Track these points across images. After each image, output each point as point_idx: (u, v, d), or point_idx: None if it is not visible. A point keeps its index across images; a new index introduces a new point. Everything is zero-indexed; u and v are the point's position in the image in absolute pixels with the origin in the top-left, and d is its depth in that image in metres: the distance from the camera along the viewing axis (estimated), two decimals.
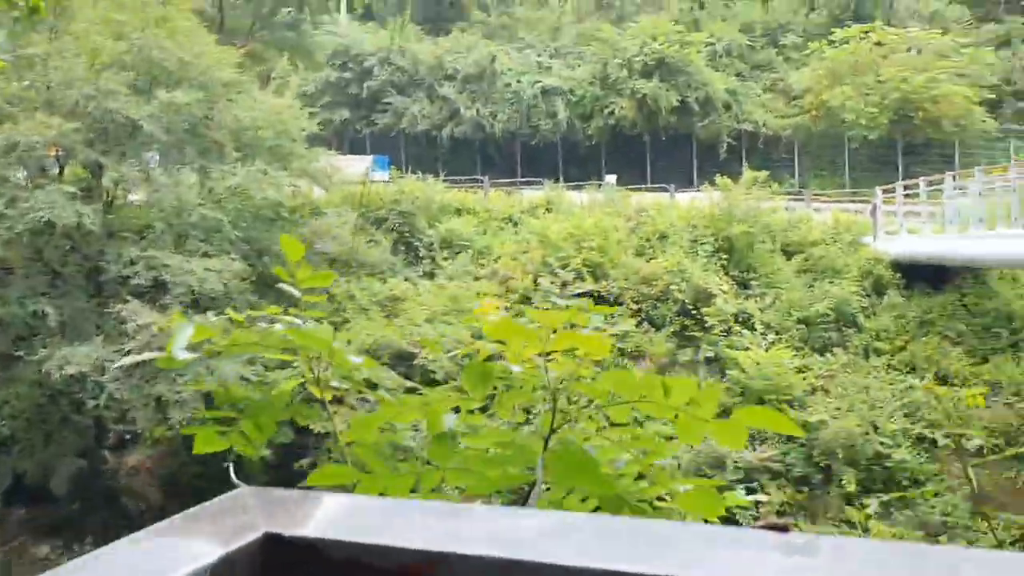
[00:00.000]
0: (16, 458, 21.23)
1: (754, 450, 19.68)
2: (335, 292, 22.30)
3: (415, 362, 20.14)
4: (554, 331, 2.05)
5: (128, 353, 17.84)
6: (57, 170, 22.09)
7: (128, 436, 19.78)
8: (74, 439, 20.82)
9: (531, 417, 4.01)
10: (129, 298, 18.81)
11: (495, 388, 2.18)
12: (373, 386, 2.40)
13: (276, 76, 37.15)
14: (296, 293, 2.20)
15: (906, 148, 36.15)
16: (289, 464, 16.78)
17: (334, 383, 2.18)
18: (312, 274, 2.25)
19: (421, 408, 2.17)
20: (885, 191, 26.78)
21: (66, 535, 20.24)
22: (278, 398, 2.29)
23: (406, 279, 23.98)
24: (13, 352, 20.56)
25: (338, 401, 2.27)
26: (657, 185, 33.06)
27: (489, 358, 2.20)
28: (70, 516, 20.56)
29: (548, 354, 2.09)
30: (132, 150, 20.70)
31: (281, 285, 2.23)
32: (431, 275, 25.14)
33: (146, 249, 19.46)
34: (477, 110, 38.87)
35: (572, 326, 2.10)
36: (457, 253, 25.80)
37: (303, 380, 2.22)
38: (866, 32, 36.80)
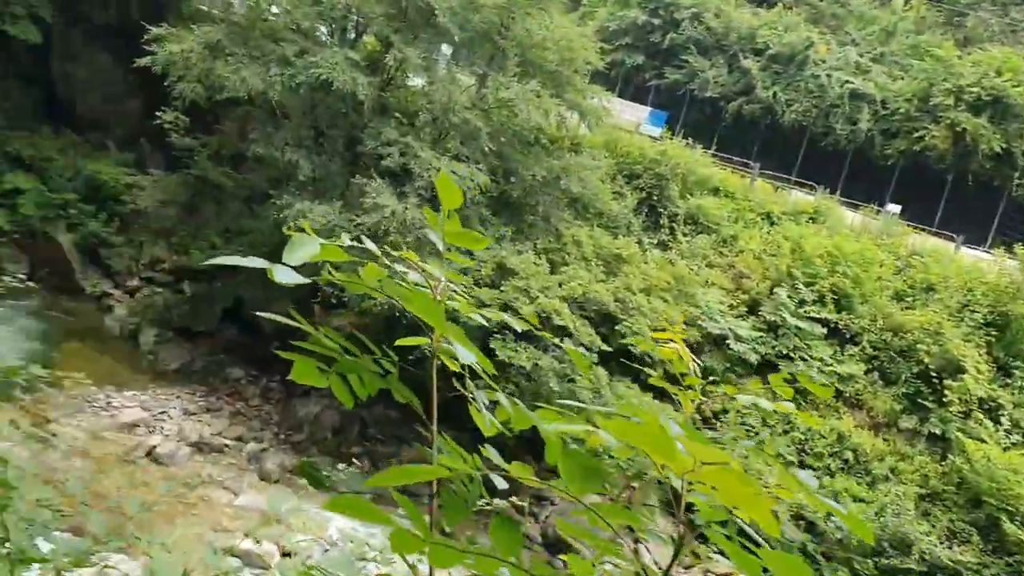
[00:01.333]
0: (240, 284, 22.95)
1: (949, 547, 17.48)
2: (564, 233, 21.92)
3: (617, 326, 19.47)
4: (705, 462, 1.46)
5: (359, 225, 18.49)
6: (353, 35, 22.96)
7: (343, 299, 20.52)
8: (294, 286, 22.02)
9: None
10: (375, 176, 19.32)
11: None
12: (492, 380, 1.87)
13: (586, 4, 36.66)
14: (439, 243, 1.94)
15: None
16: None
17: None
18: (460, 231, 1.94)
19: None
20: None
21: (262, 366, 21.70)
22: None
23: (638, 242, 23.12)
24: (267, 190, 22.05)
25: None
26: (944, 231, 29.70)
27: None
28: (270, 352, 21.99)
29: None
30: (424, 37, 21.00)
31: (426, 230, 2.00)
32: (664, 246, 24.14)
33: (405, 135, 19.80)
34: (774, 93, 36.58)
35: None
36: (699, 233, 24.57)
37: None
38: None
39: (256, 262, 1.56)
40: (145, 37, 21.33)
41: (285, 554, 14.36)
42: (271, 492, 16.78)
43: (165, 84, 21.34)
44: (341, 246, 1.77)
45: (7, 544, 3.64)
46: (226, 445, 18.35)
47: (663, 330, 3.39)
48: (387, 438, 19.95)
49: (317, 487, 3.86)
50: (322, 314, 22.78)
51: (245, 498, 16.45)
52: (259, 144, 20.86)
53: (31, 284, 22.40)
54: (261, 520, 16.92)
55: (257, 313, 2.10)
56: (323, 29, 22.43)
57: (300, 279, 1.55)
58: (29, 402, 17.60)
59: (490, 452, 1.80)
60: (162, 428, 18.25)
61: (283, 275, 1.54)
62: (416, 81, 22.57)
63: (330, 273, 1.90)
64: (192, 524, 15.13)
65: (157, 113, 23.40)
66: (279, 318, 2.05)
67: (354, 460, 19.01)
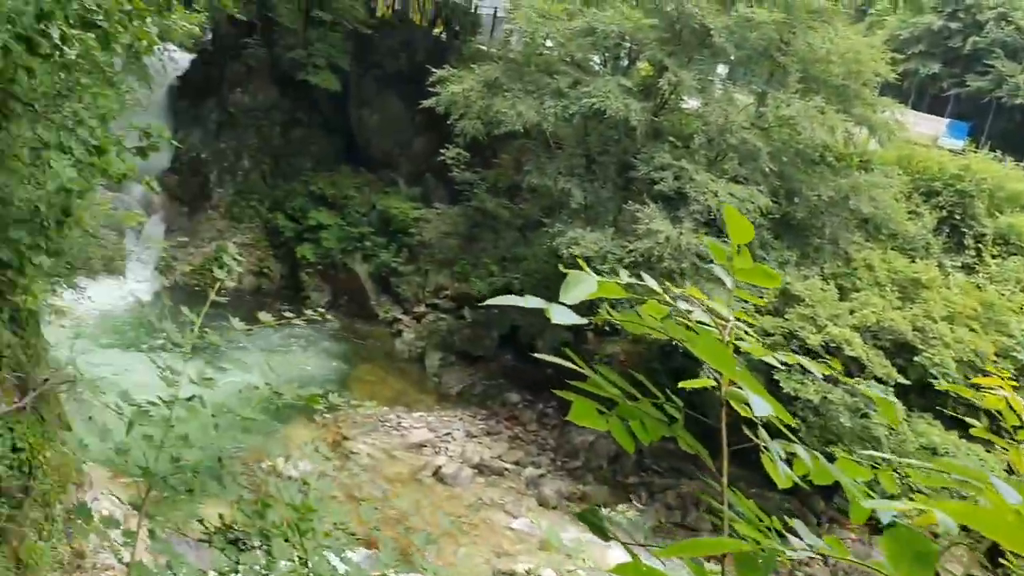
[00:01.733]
0: (516, 312, 23.58)
1: None
2: (854, 257, 20.39)
3: (916, 358, 17.71)
4: None
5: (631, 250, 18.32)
6: (626, 63, 22.98)
7: (617, 327, 20.49)
8: None
9: None
10: (648, 202, 19.07)
11: None
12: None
13: (874, 13, 34.31)
14: (727, 280, 1.82)
15: None
16: None
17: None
18: (751, 267, 1.78)
19: None
20: None
21: (537, 391, 22.12)
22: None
23: (938, 265, 20.97)
24: (540, 218, 22.57)
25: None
26: None
27: None
28: (545, 377, 22.37)
29: None
30: (699, 59, 20.54)
31: (712, 265, 1.86)
32: (970, 269, 21.73)
33: (679, 158, 19.40)
34: None
35: None
36: (1012, 254, 21.87)
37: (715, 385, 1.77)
38: None
39: (534, 302, 1.53)
40: (430, 80, 22.74)
41: None
42: (550, 519, 16.92)
43: (448, 123, 22.56)
44: (619, 283, 1.69)
45: (308, 565, 3.70)
46: (506, 469, 18.78)
47: (986, 373, 2.96)
48: (665, 470, 19.48)
49: (600, 536, 3.55)
50: (596, 341, 22.85)
51: (524, 522, 16.69)
52: (533, 175, 21.41)
53: (331, 315, 24.43)
54: (539, 546, 17.08)
55: (536, 355, 2.03)
56: (596, 59, 22.68)
57: (577, 319, 1.51)
58: (330, 420, 18.91)
59: (797, 526, 1.67)
60: (447, 449, 19.04)
61: (560, 315, 1.51)
62: (691, 103, 22.13)
63: (608, 312, 1.85)
64: (474, 545, 15.55)
65: (441, 150, 24.84)
66: (556, 360, 1.90)
67: (631, 497, 18.73)
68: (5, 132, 8.22)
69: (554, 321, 1.58)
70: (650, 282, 1.83)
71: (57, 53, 6.71)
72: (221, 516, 4.13)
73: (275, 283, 27.26)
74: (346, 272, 26.87)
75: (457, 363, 23.72)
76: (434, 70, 22.91)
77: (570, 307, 1.61)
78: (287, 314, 4.52)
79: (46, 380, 9.21)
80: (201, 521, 3.85)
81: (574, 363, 1.91)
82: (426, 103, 22.67)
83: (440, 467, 18.05)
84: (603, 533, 3.37)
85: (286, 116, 29.38)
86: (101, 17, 6.41)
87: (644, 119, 19.96)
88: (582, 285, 1.61)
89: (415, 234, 26.13)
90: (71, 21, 6.19)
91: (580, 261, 1.86)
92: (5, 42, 5.77)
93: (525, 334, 23.42)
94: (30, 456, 8.08)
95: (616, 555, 15.15)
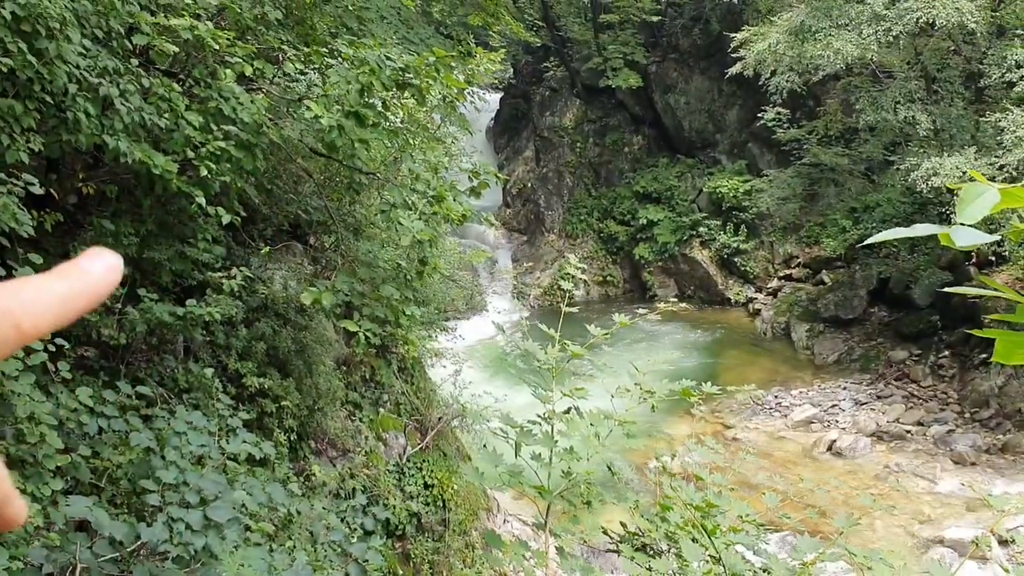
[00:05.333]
0: (880, 263, 21.73)
1: None
2: None
3: None
4: None
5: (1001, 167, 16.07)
6: None
7: (1003, 253, 18.18)
8: (939, 251, 20.16)
9: None
10: (1010, 108, 16.59)
11: None
12: None
13: None
14: None
15: None
16: None
17: None
18: None
19: None
20: None
21: (922, 343, 20.17)
22: None
23: None
24: (885, 157, 20.63)
25: None
26: None
27: None
28: (928, 326, 20.33)
29: None
30: None
31: None
32: None
33: None
34: None
35: None
36: None
37: None
38: None
39: (925, 228, 1.25)
40: (731, 46, 21.90)
41: (1003, 541, 12.73)
42: (972, 476, 15.18)
43: (759, 84, 21.51)
44: None
45: (722, 563, 3.47)
46: (907, 431, 17.19)
47: None
48: None
49: None
50: (980, 275, 20.33)
51: (944, 484, 15.11)
52: (867, 111, 19.60)
53: (683, 306, 24.39)
54: (967, 507, 15.36)
55: (945, 289, 1.57)
56: None
57: (985, 238, 1.21)
58: (707, 412, 18.68)
59: None
60: (836, 422, 17.88)
61: (964, 237, 1.21)
62: None
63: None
64: (892, 517, 14.35)
65: (758, 115, 23.72)
66: (969, 290, 1.49)
67: None
68: (359, 204, 9.09)
69: (959, 244, 1.25)
70: None
71: (384, 121, 7.26)
72: (623, 524, 4.04)
73: (620, 288, 27.69)
74: (687, 263, 26.54)
75: (827, 331, 22.29)
76: (733, 35, 22.08)
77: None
78: (640, 310, 4.38)
79: (440, 418, 10.00)
80: (605, 532, 3.78)
81: (996, 290, 1.54)
82: (732, 70, 21.85)
83: (834, 441, 16.95)
84: None
85: (595, 125, 29.96)
86: (411, 75, 6.80)
87: (983, 18, 17.45)
88: (982, 198, 1.26)
89: (749, 208, 25.13)
90: (387, 87, 6.64)
91: (975, 173, 1.46)
92: (339, 121, 6.33)
93: (897, 285, 21.49)
94: (440, 491, 8.76)
95: None
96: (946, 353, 19.56)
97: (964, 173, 16.47)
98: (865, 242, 1.31)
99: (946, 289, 1.46)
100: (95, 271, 0.44)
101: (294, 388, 7.43)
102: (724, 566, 3.48)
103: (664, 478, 3.76)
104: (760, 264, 25.67)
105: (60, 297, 0.42)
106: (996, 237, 1.25)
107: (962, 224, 1.26)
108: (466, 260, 14.74)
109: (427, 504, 8.52)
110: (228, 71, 6.06)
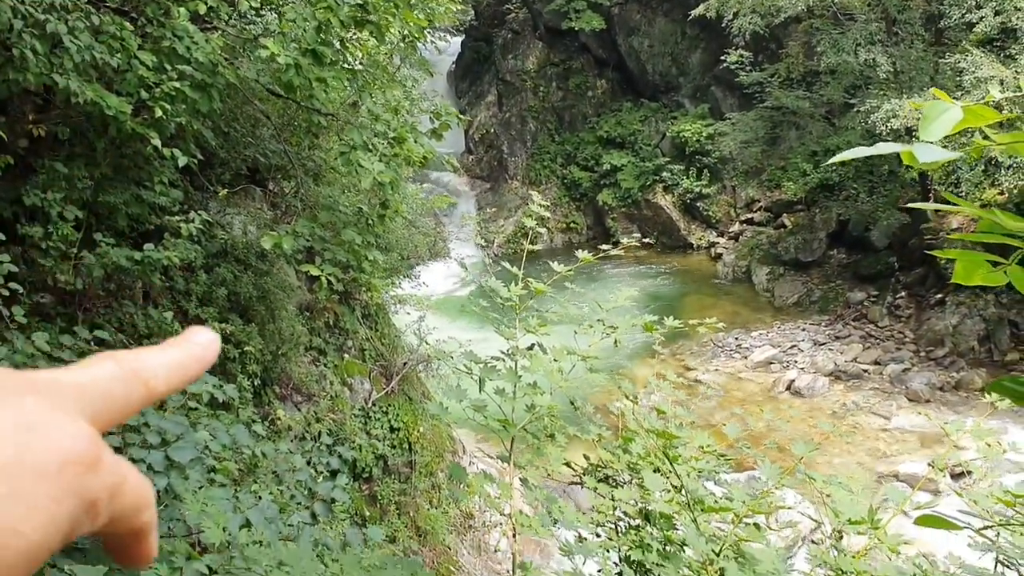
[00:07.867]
0: (840, 205, 21.98)
1: None
2: None
3: None
4: None
5: None
6: None
7: (959, 180, 18.45)
8: (897, 193, 20.42)
9: None
10: (969, 49, 16.69)
11: None
12: None
13: None
14: None
15: None
16: None
17: None
18: None
19: None
20: None
21: (880, 284, 20.53)
22: None
23: None
24: (846, 99, 20.72)
25: None
26: None
27: None
28: (886, 267, 20.66)
29: None
30: None
31: None
32: None
33: None
34: None
35: None
36: None
37: None
38: None
39: (888, 147, 1.18)
40: None
41: (956, 475, 13.16)
42: (926, 412, 15.61)
43: (722, 27, 21.40)
44: (991, 102, 1.21)
45: (683, 491, 3.53)
46: (864, 371, 17.58)
47: None
48: None
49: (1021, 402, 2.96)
50: (938, 218, 20.64)
51: (898, 421, 15.53)
52: (828, 54, 19.64)
53: (647, 240, 24.34)
54: (920, 443, 15.78)
55: (909, 205, 1.58)
56: None
57: (947, 155, 1.18)
58: (668, 355, 18.87)
59: None
60: (795, 362, 18.22)
61: (926, 154, 1.17)
62: None
63: (986, 138, 1.38)
64: (848, 453, 14.75)
65: (721, 58, 23.65)
66: (932, 205, 1.59)
67: (1012, 370, 16.75)
68: (319, 149, 8.96)
69: (921, 162, 1.25)
70: None
71: (341, 59, 7.12)
72: (586, 456, 4.10)
73: (583, 234, 27.75)
74: (650, 208, 26.62)
75: (787, 274, 22.60)
76: None
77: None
78: (603, 247, 4.38)
79: (405, 364, 10.01)
80: (569, 464, 3.83)
81: (955, 203, 1.55)
82: (695, 12, 21.71)
83: (792, 381, 17.30)
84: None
85: (559, 69, 29.70)
86: (369, 12, 6.65)
87: None
88: (945, 115, 1.25)
89: (712, 152, 25.20)
90: (344, 24, 6.49)
91: (937, 92, 1.45)
92: (296, 59, 6.18)
93: (856, 227, 21.78)
94: (407, 434, 8.81)
95: (1016, 436, 13.60)
96: (903, 294, 19.92)
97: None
98: (830, 160, 1.31)
99: (910, 205, 1.47)
100: (202, 341, 0.52)
101: (256, 334, 7.38)
102: (686, 492, 3.55)
103: (626, 406, 3.81)
104: (722, 209, 25.83)
105: (177, 361, 0.50)
106: (957, 154, 1.25)
107: (925, 141, 1.27)
108: (428, 206, 14.65)
109: (393, 447, 8.57)
110: (182, 9, 5.88)
